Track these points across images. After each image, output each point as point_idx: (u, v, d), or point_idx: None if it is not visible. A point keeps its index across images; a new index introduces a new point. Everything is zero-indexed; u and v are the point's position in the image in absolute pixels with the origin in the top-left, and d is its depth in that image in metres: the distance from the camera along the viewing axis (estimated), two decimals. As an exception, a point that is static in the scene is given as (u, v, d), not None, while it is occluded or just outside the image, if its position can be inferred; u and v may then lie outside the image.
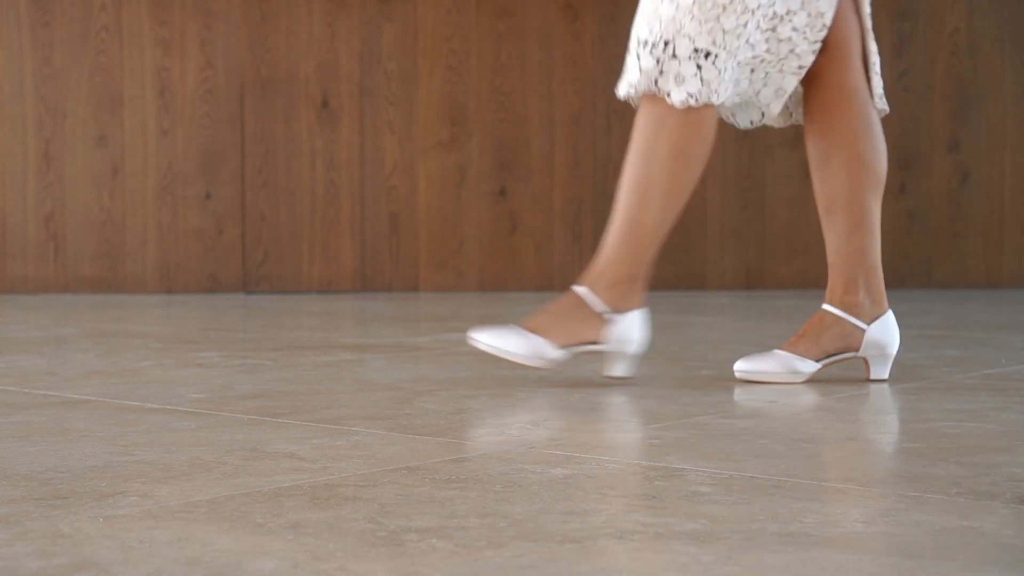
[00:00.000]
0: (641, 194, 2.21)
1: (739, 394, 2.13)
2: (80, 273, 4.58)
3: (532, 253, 4.66)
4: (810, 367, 2.25)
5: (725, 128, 4.69)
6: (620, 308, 2.23)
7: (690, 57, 2.16)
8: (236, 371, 2.46)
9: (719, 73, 2.17)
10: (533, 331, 2.20)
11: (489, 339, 2.20)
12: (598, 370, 2.37)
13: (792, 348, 2.27)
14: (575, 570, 1.10)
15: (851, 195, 2.26)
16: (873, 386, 2.23)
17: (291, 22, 4.58)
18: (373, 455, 1.65)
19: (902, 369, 2.45)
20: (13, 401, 2.08)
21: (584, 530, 1.23)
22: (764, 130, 4.69)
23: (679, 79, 2.17)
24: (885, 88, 4.72)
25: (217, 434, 1.77)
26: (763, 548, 1.17)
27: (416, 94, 4.63)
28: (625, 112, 4.60)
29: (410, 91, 4.63)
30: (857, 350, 2.27)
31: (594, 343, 2.23)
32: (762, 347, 2.85)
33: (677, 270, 4.70)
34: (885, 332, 2.28)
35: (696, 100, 2.17)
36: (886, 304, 2.30)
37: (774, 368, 2.24)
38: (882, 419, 1.87)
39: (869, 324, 2.27)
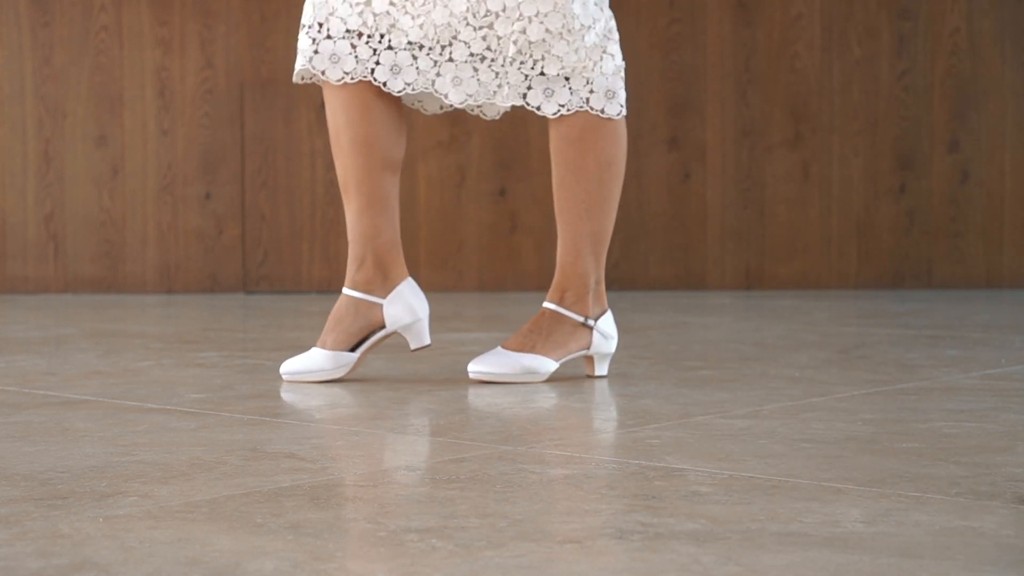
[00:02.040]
0: (596, 206, 2.33)
1: (739, 394, 2.13)
2: (80, 273, 4.58)
3: (532, 253, 4.66)
4: (550, 366, 2.29)
5: (725, 128, 4.69)
6: (596, 314, 2.34)
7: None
8: (236, 371, 2.46)
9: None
10: (526, 351, 2.29)
11: (488, 368, 2.27)
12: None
13: (524, 348, 2.29)
14: (575, 570, 1.10)
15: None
16: (874, 386, 2.23)
17: (291, 22, 4.58)
18: (373, 455, 1.65)
19: (902, 369, 2.46)
20: (13, 401, 2.08)
21: (584, 530, 1.23)
22: (764, 130, 4.69)
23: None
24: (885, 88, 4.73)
25: (217, 434, 1.77)
26: (763, 548, 1.17)
27: (416, 94, 4.63)
28: (625, 112, 4.60)
29: (410, 91, 4.63)
30: (588, 348, 2.33)
31: (583, 350, 2.33)
32: (762, 347, 2.85)
33: (677, 270, 4.70)
34: (610, 329, 2.36)
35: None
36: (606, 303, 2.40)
37: (510, 370, 2.27)
38: (882, 419, 1.87)
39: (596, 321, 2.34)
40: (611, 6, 2.56)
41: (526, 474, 1.49)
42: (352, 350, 2.29)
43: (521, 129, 4.64)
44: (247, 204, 4.61)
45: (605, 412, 1.99)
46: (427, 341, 2.32)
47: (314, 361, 2.29)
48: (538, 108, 2.27)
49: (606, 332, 2.34)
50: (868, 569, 1.10)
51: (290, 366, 2.30)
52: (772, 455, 1.60)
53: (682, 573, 1.09)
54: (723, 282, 4.72)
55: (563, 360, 2.31)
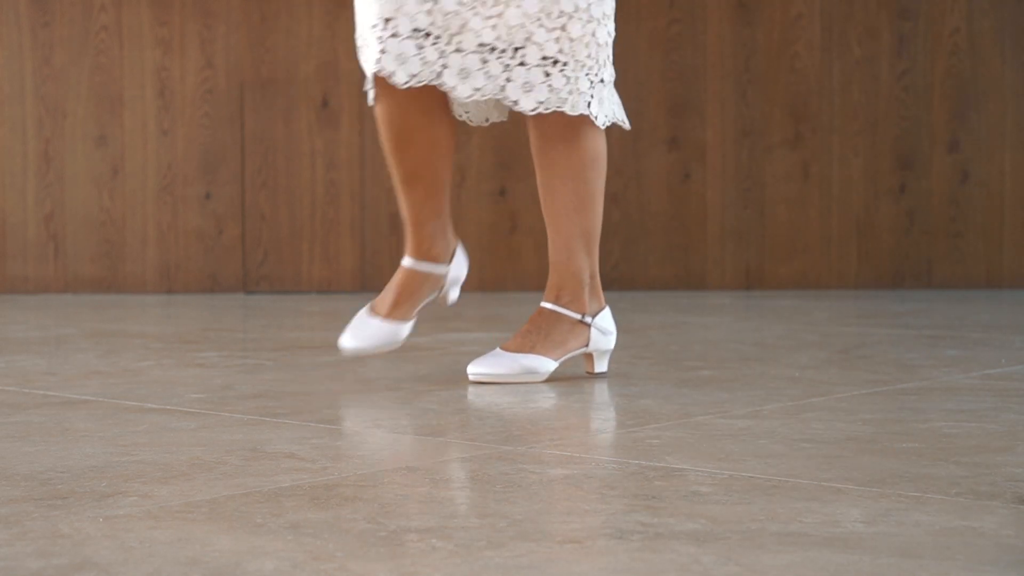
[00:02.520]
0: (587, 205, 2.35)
1: (739, 394, 2.13)
2: (80, 273, 4.58)
3: (532, 253, 4.66)
4: (550, 366, 2.29)
5: (725, 128, 4.69)
6: (593, 311, 2.34)
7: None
8: (236, 371, 2.46)
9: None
10: (525, 352, 2.29)
11: (488, 369, 2.27)
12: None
13: (523, 348, 2.29)
14: (575, 570, 1.10)
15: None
16: (874, 386, 2.23)
17: (291, 22, 4.58)
18: (373, 455, 1.65)
19: (902, 369, 2.46)
20: (13, 401, 2.08)
21: (584, 530, 1.23)
22: (764, 130, 4.69)
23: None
24: (886, 88, 4.73)
25: (217, 434, 1.77)
26: (763, 548, 1.17)
27: (416, 94, 4.63)
28: (625, 112, 4.59)
29: (410, 91, 4.63)
30: (587, 345, 2.33)
31: (582, 348, 2.34)
32: (762, 347, 2.85)
33: (677, 270, 4.70)
34: (609, 325, 2.36)
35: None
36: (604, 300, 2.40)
37: (509, 370, 2.27)
38: (882, 419, 1.87)
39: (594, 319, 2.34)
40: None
41: (526, 474, 1.49)
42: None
43: (521, 129, 4.63)
44: (247, 204, 4.61)
45: (605, 412, 1.98)
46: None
47: (385, 334, 2.32)
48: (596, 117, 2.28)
49: (604, 328, 2.34)
50: (868, 569, 1.10)
51: (358, 342, 2.32)
52: (772, 455, 1.60)
53: (682, 573, 1.09)
54: (723, 282, 4.72)
55: (563, 359, 2.31)
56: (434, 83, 2.17)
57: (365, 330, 2.32)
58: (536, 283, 4.63)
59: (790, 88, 4.70)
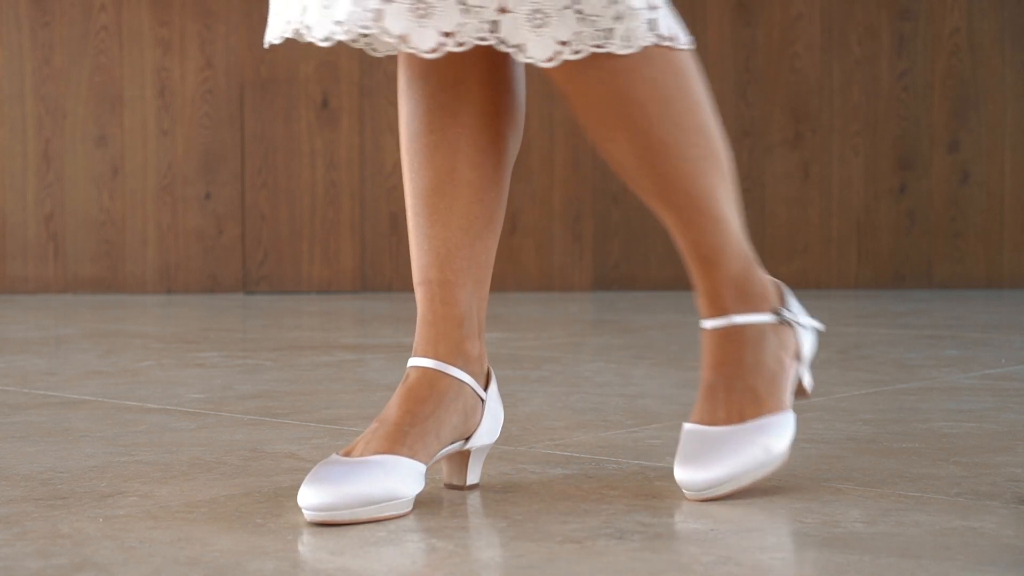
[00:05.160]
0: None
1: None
2: (80, 273, 4.58)
3: (532, 253, 4.65)
4: (789, 427, 1.46)
5: (725, 128, 4.69)
6: (776, 300, 1.49)
7: None
8: (236, 371, 2.46)
9: None
10: (748, 416, 1.42)
11: (705, 474, 1.35)
12: (599, 371, 2.37)
13: (731, 412, 1.43)
14: (575, 570, 1.10)
15: None
16: (874, 386, 2.23)
17: (291, 22, 4.58)
18: (373, 455, 1.65)
19: (902, 369, 2.45)
20: (13, 401, 2.08)
21: (584, 530, 1.23)
22: (764, 130, 4.69)
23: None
24: (886, 88, 4.73)
25: (217, 434, 1.77)
26: (763, 548, 1.17)
27: (416, 94, 4.63)
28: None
29: (410, 91, 4.63)
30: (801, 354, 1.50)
31: (798, 360, 1.50)
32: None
33: (677, 270, 4.70)
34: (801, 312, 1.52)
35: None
36: None
37: (737, 464, 1.37)
38: (882, 419, 1.87)
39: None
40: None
41: (526, 474, 1.49)
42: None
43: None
44: (247, 204, 4.61)
45: (605, 412, 1.98)
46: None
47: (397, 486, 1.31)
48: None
49: (805, 320, 1.49)
50: (868, 569, 1.10)
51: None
52: (772, 455, 1.60)
53: (682, 573, 1.09)
54: (723, 282, 4.71)
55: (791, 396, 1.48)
56: (369, 32, 1.27)
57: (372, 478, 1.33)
58: (536, 283, 4.63)
59: (790, 88, 4.70)
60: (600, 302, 4.19)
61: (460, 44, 1.27)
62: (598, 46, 1.28)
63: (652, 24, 1.31)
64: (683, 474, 1.35)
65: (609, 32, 1.28)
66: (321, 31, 1.28)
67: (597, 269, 4.63)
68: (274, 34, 1.35)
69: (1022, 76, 4.76)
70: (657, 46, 1.32)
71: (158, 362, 2.60)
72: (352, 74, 4.57)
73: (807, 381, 1.50)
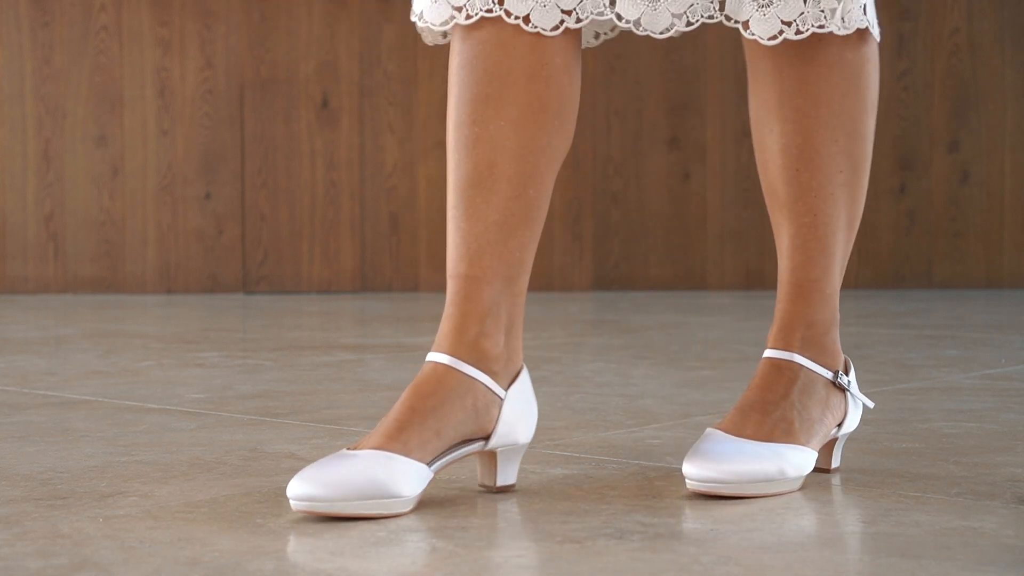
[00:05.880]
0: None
1: (739, 394, 2.13)
2: (80, 273, 4.58)
3: (532, 253, 4.65)
4: (810, 461, 1.43)
5: (725, 128, 4.69)
6: (842, 366, 1.50)
7: None
8: (236, 371, 2.46)
9: None
10: (778, 438, 1.40)
11: (714, 472, 1.35)
12: (599, 371, 2.37)
13: (775, 432, 1.41)
14: (575, 570, 1.10)
15: None
16: (874, 386, 2.23)
17: (291, 22, 4.58)
18: (373, 455, 1.65)
19: (902, 369, 2.45)
20: (13, 401, 2.08)
21: (584, 530, 1.23)
22: (764, 130, 4.69)
23: None
24: (886, 88, 4.72)
25: (217, 434, 1.77)
26: (763, 548, 1.17)
27: (416, 94, 4.63)
28: (625, 112, 4.60)
29: (410, 91, 4.63)
30: (840, 426, 1.48)
31: (835, 430, 1.47)
32: (762, 347, 2.85)
33: (677, 270, 4.70)
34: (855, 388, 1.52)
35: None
36: None
37: (756, 471, 1.36)
38: (882, 419, 1.87)
39: None
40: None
41: (526, 474, 1.49)
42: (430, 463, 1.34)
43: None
44: (247, 204, 4.61)
45: (605, 412, 1.98)
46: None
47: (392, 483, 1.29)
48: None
49: (859, 397, 1.50)
50: (868, 569, 1.10)
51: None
52: (772, 455, 1.60)
53: (682, 573, 1.09)
54: (723, 282, 4.72)
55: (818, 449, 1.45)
56: (603, 17, 1.33)
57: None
58: (535, 283, 4.63)
59: (790, 88, 4.69)
60: (600, 302, 4.19)
61: (689, 24, 1.32)
62: (820, 26, 1.33)
63: (865, 8, 1.37)
64: (691, 465, 1.35)
65: (832, 12, 1.34)
66: (549, 20, 1.32)
67: (597, 269, 4.64)
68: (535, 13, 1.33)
69: (1022, 76, 4.76)
70: (860, 33, 1.37)
71: (158, 362, 2.60)
72: (352, 74, 4.57)
73: (836, 457, 1.50)
